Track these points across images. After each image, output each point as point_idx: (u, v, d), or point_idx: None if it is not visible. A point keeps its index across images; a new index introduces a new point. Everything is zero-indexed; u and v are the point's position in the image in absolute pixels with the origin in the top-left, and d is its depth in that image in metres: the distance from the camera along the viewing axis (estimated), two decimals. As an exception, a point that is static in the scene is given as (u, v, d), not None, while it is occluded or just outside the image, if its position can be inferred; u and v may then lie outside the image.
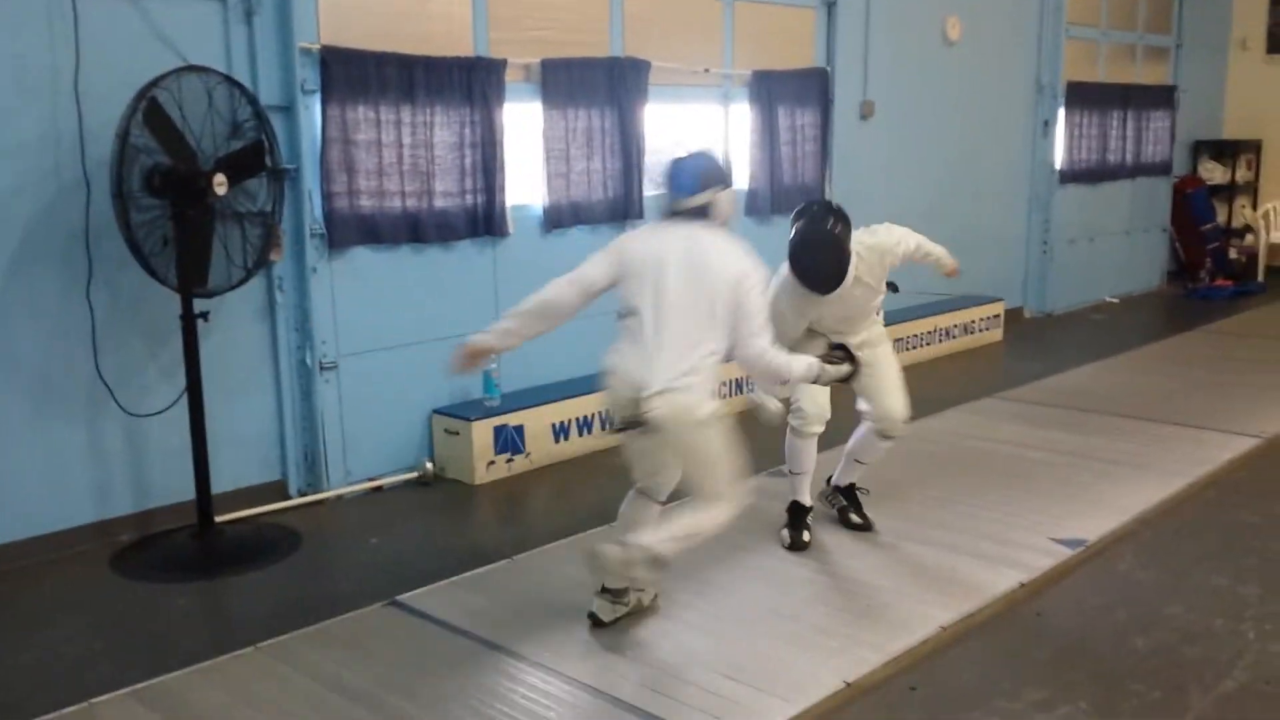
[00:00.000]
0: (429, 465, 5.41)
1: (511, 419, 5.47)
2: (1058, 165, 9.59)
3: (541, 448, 5.60)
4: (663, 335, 3.40)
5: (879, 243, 4.25)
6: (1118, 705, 3.26)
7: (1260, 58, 11.81)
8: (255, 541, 4.67)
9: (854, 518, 4.65)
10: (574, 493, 5.33)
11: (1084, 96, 9.69)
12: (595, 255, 3.63)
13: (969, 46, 8.58)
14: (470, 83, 5.33)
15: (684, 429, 3.37)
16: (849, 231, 4.00)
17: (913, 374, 7.45)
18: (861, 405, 4.42)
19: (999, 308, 8.64)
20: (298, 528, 4.81)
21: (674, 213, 3.60)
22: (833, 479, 4.72)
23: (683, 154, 3.68)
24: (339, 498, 5.18)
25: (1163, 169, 10.95)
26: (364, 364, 5.23)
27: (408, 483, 5.39)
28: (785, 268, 4.03)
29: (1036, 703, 3.25)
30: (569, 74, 5.80)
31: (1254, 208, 11.78)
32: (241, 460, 4.96)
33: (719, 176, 3.62)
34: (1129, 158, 10.40)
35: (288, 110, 4.87)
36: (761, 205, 6.99)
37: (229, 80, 4.42)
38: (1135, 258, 10.83)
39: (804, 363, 3.70)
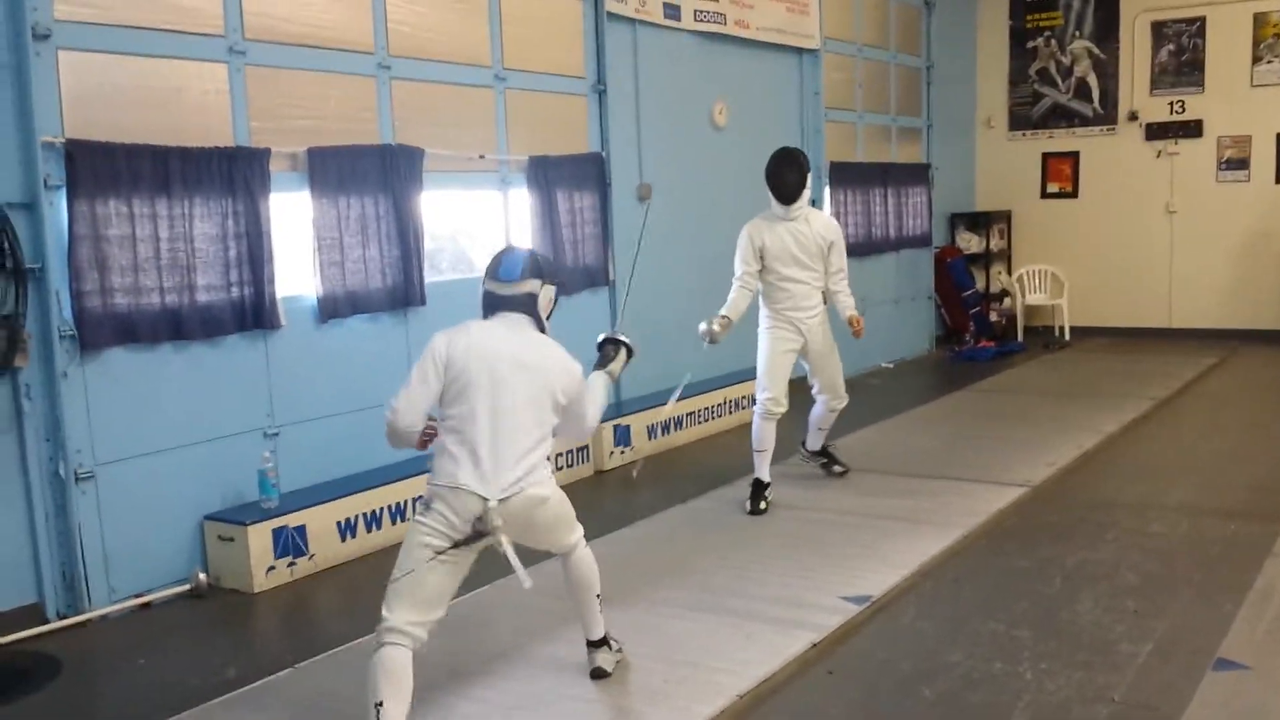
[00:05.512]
0: (202, 576, 5.07)
1: (292, 520, 5.21)
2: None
3: (326, 548, 5.36)
4: (500, 442, 3.41)
5: (827, 219, 6.09)
6: (907, 756, 3.32)
7: (1004, 135, 12.81)
8: (7, 672, 4.26)
9: (836, 468, 6.50)
10: (363, 592, 5.08)
11: (846, 175, 10.23)
12: (416, 373, 3.48)
13: (736, 130, 8.94)
14: (232, 173, 5.16)
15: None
16: (808, 166, 5.86)
17: (703, 445, 7.68)
18: (815, 388, 6.15)
19: (783, 378, 8.89)
20: (57, 654, 4.42)
21: (495, 301, 3.61)
22: (807, 445, 6.49)
23: (507, 247, 3.80)
24: (103, 618, 4.79)
25: (923, 241, 11.63)
26: (125, 472, 4.89)
27: (179, 596, 5.03)
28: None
29: (830, 762, 3.28)
30: (338, 162, 5.69)
31: (1009, 273, 12.66)
32: (-11, 584, 4.54)
33: (544, 270, 3.67)
34: (892, 231, 10.99)
35: (30, 207, 4.58)
36: (545, 288, 7.01)
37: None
38: (905, 324, 11.41)
39: (599, 386, 3.83)
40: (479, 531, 3.37)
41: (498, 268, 3.63)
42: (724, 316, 5.80)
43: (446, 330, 3.57)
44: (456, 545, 3.37)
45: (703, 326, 5.73)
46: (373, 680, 3.23)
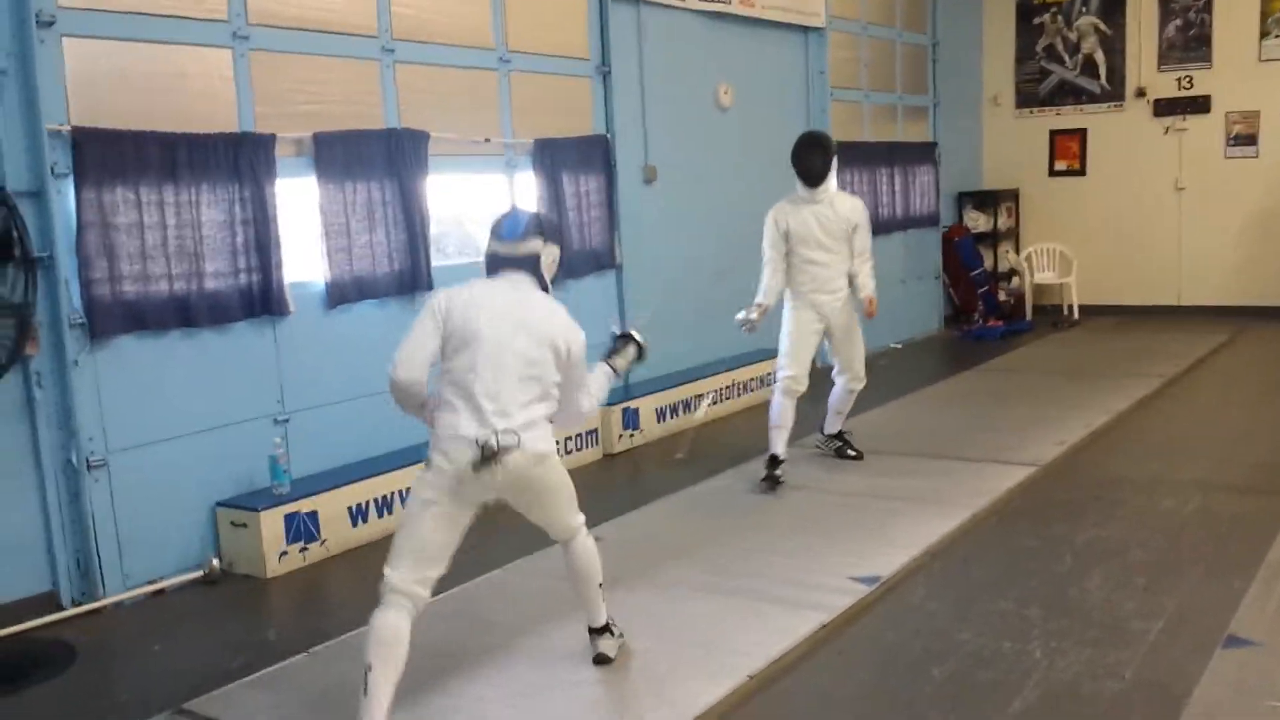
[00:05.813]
0: (215, 562, 5.10)
1: (304, 505, 5.23)
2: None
3: (338, 533, 5.38)
4: (501, 391, 3.37)
5: (852, 201, 6.00)
6: (919, 735, 3.33)
7: (1011, 113, 12.73)
8: (24, 659, 4.28)
9: (850, 452, 6.37)
10: (375, 578, 5.10)
11: (853, 155, 10.14)
12: (417, 326, 3.45)
13: (742, 112, 8.91)
14: (238, 159, 5.16)
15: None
16: (833, 149, 5.84)
17: (715, 427, 7.68)
18: (835, 368, 6.15)
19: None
20: (72, 640, 4.45)
21: (498, 261, 3.57)
22: (825, 429, 6.41)
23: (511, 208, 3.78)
24: (117, 605, 4.82)
25: (931, 220, 11.59)
26: (137, 459, 4.92)
27: (193, 582, 5.06)
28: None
29: (842, 742, 3.29)
30: (344, 147, 5.69)
31: (1017, 252, 12.61)
32: (4, 572, 4.56)
33: (547, 230, 3.64)
34: (899, 211, 10.96)
35: (38, 195, 4.59)
36: (552, 271, 7.01)
37: (-33, 167, 4.14)
38: (914, 304, 11.38)
39: (602, 378, 3.81)
40: (488, 454, 3.29)
41: (501, 227, 3.60)
42: (760, 304, 5.89)
43: (447, 287, 3.56)
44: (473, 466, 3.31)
45: (740, 315, 5.87)
46: (367, 643, 3.29)
